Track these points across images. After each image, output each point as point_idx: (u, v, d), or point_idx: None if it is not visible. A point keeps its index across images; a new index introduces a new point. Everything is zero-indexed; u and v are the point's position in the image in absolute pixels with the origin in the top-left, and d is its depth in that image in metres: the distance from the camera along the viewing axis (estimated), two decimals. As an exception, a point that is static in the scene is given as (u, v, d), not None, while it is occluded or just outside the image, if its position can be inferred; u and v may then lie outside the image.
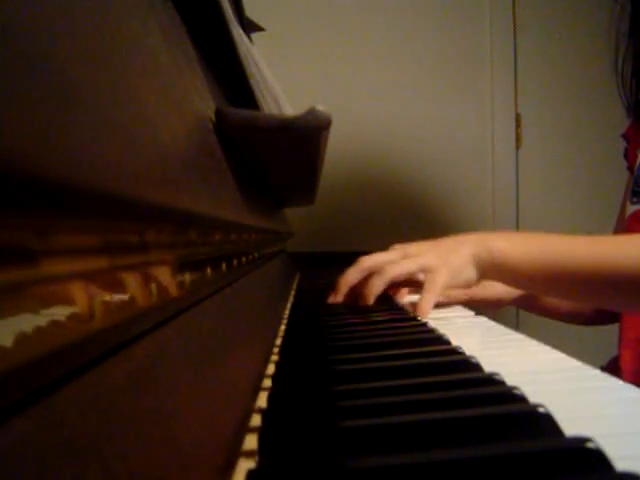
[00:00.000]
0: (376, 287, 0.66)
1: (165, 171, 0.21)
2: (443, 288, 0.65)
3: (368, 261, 0.70)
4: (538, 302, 0.89)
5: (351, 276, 0.70)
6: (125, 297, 0.17)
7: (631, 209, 0.85)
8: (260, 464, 0.24)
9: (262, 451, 0.25)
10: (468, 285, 0.67)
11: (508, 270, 0.64)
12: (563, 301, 0.88)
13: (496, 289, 0.81)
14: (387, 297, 0.77)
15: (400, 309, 0.67)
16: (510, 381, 0.32)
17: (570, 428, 0.25)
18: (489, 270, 0.65)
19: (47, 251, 0.12)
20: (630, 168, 0.92)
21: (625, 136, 0.94)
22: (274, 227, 0.72)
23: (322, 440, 0.25)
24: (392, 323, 0.56)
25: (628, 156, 0.93)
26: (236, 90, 0.53)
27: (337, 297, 0.71)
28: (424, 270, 0.66)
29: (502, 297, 0.84)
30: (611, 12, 0.84)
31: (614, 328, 0.90)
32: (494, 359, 0.40)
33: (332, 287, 0.73)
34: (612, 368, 0.83)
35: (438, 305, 0.68)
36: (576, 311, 0.91)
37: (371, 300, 0.66)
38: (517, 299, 0.86)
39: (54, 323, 0.12)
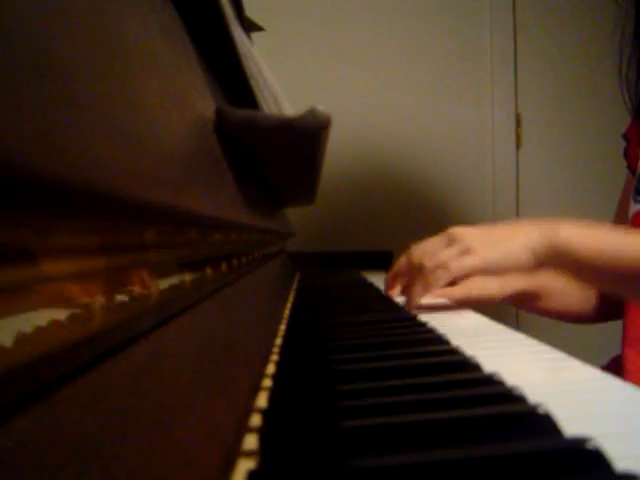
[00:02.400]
0: (419, 293, 0.67)
1: (165, 171, 0.21)
2: (470, 270, 0.64)
3: (416, 257, 0.69)
4: (536, 302, 0.88)
5: (400, 268, 0.72)
6: (125, 297, 0.17)
7: (635, 208, 0.85)
8: (260, 464, 0.24)
9: (262, 451, 0.25)
10: (521, 271, 0.65)
11: (572, 260, 0.63)
12: (564, 302, 0.88)
13: (489, 285, 0.80)
14: (386, 297, 0.77)
15: (400, 309, 0.67)
16: (510, 381, 0.32)
17: (570, 428, 0.25)
18: (550, 258, 0.64)
19: (47, 251, 0.12)
20: (630, 167, 0.92)
21: (625, 136, 0.94)
22: (274, 227, 0.72)
23: (322, 440, 0.25)
24: (392, 323, 0.56)
25: (628, 155, 0.93)
26: (236, 90, 0.53)
27: (389, 291, 0.74)
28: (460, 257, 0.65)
29: (494, 295, 0.83)
30: (615, 15, 0.84)
31: (615, 328, 0.90)
32: (492, 359, 0.40)
33: (332, 287, 0.73)
34: (613, 368, 0.83)
35: (435, 308, 0.68)
36: (578, 312, 0.91)
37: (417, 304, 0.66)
38: (512, 297, 0.85)
39: (54, 323, 0.12)
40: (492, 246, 0.65)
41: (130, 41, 0.21)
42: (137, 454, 0.15)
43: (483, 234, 0.67)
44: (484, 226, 0.70)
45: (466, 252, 0.65)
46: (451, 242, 0.67)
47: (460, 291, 0.75)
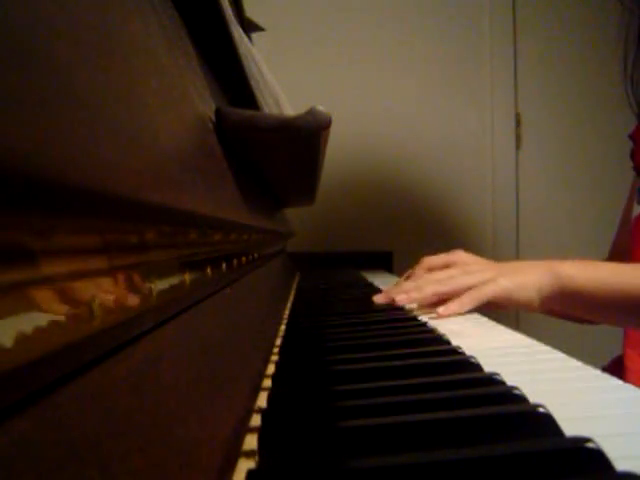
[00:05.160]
0: (426, 294, 0.66)
1: (165, 171, 0.21)
2: (487, 299, 0.63)
3: (428, 277, 0.69)
4: None
5: (406, 286, 0.70)
6: (125, 297, 0.17)
7: (637, 210, 0.85)
8: (260, 464, 0.24)
9: (262, 451, 0.25)
10: (527, 307, 0.66)
11: (575, 296, 0.64)
12: None
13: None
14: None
15: (400, 309, 0.67)
16: (510, 381, 0.32)
17: (570, 428, 0.25)
18: (554, 296, 0.65)
19: (47, 251, 0.12)
20: (636, 169, 0.91)
21: (632, 137, 0.93)
22: (274, 227, 0.72)
23: (322, 440, 0.25)
24: (392, 323, 0.56)
25: (634, 157, 0.93)
26: (236, 90, 0.53)
27: (383, 299, 0.70)
28: (483, 284, 0.65)
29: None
30: (620, 14, 0.84)
31: (616, 328, 0.90)
32: (494, 359, 0.40)
33: (332, 287, 0.72)
34: (614, 369, 0.83)
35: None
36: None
37: (410, 301, 0.66)
38: None
39: (54, 323, 0.12)
40: (510, 278, 0.65)
41: (130, 41, 0.21)
42: (137, 454, 0.15)
43: (496, 267, 0.68)
44: (488, 261, 0.72)
45: (488, 280, 0.65)
46: (467, 273, 0.66)
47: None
